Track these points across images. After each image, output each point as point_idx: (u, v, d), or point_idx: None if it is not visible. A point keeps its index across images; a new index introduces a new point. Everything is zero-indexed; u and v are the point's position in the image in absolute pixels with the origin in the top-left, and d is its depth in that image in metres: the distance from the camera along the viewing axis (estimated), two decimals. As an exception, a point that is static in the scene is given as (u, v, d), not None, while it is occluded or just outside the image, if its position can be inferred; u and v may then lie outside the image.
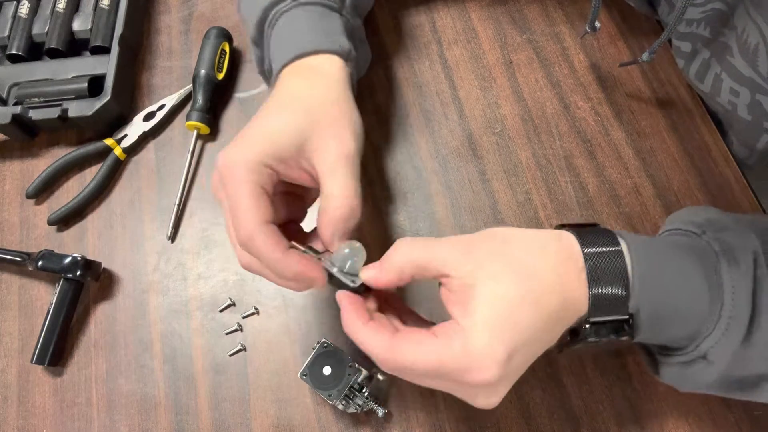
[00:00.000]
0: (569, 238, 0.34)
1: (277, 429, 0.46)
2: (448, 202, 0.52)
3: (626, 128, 0.54)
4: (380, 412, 0.44)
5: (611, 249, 0.33)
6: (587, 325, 0.33)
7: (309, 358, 0.43)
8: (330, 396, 0.42)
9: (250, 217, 0.34)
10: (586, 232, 0.34)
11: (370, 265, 0.35)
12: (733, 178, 0.51)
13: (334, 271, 0.35)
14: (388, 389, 0.46)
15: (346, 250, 0.36)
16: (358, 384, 0.44)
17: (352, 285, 0.35)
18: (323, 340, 0.43)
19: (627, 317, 0.33)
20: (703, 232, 0.36)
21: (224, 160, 0.36)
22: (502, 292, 0.31)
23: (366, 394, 0.44)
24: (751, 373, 0.34)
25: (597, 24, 0.49)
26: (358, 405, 0.43)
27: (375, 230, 0.52)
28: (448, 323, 0.32)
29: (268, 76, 0.48)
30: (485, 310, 0.31)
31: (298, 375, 0.43)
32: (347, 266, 0.35)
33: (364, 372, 0.44)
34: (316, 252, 0.37)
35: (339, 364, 0.43)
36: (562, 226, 0.36)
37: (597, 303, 0.32)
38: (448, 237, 0.34)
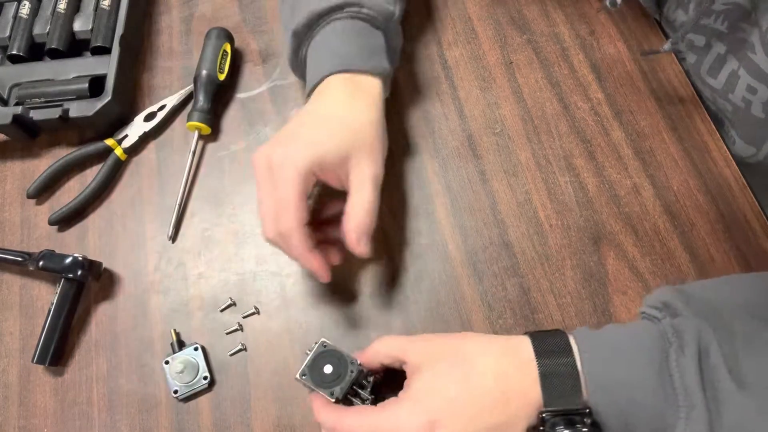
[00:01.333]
0: (524, 340, 0.38)
1: (278, 428, 0.46)
2: (448, 202, 0.52)
3: (626, 128, 0.54)
4: None
5: (559, 342, 0.37)
6: (544, 415, 0.35)
7: (308, 358, 0.42)
8: (332, 393, 0.41)
9: (292, 218, 0.41)
10: (541, 336, 0.38)
11: (359, 352, 0.43)
12: (732, 178, 0.51)
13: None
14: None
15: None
16: (360, 382, 0.43)
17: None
18: (322, 339, 0.43)
19: (585, 409, 0.35)
20: (664, 316, 0.38)
21: (281, 157, 0.41)
22: (435, 371, 0.37)
23: (369, 389, 0.43)
24: None
25: (619, 0, 0.49)
26: (362, 401, 0.42)
27: (376, 230, 0.52)
28: (390, 399, 0.38)
29: (302, 65, 0.51)
30: (417, 383, 0.37)
31: (297, 376, 0.41)
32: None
33: (366, 369, 0.43)
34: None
35: (340, 362, 0.42)
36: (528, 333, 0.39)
37: (549, 388, 0.35)
38: (423, 335, 0.41)
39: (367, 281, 0.50)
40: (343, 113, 0.44)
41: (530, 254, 0.50)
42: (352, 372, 0.41)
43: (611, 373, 0.35)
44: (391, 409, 0.37)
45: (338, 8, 0.47)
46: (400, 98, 0.57)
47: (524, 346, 0.38)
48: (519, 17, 0.59)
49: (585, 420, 0.35)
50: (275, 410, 0.47)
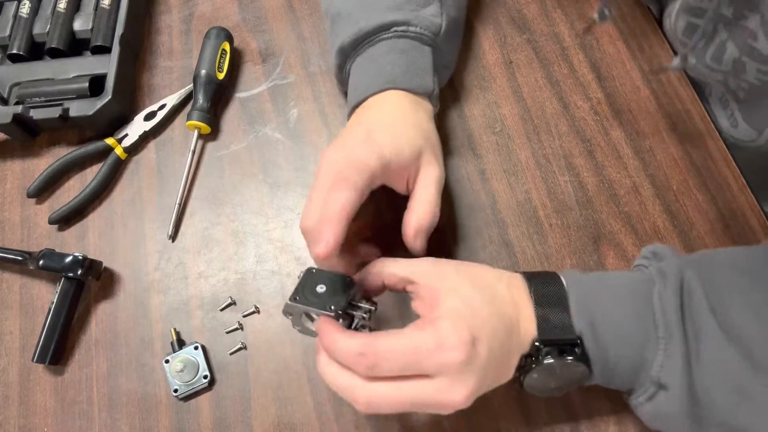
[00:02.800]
0: (518, 276, 0.40)
1: (278, 428, 0.46)
2: (448, 201, 0.52)
3: (625, 128, 0.54)
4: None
5: (551, 279, 0.39)
6: (538, 343, 0.37)
7: (297, 283, 0.38)
8: (331, 307, 0.36)
9: (342, 206, 0.38)
10: (533, 272, 0.40)
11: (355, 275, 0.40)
12: (731, 177, 0.51)
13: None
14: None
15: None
16: (358, 301, 0.39)
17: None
18: (309, 266, 0.38)
19: (575, 339, 0.36)
20: (650, 263, 0.40)
21: (341, 155, 0.40)
22: (462, 293, 0.37)
23: (374, 304, 0.38)
24: (716, 401, 0.35)
25: (607, 12, 0.48)
26: (365, 314, 0.38)
27: (376, 229, 0.52)
28: (418, 320, 0.36)
29: (346, 81, 0.51)
30: (448, 303, 0.36)
31: (288, 301, 0.37)
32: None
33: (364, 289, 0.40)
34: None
35: (333, 281, 0.37)
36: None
37: (543, 322, 0.37)
38: (427, 258, 0.40)
39: (367, 280, 0.50)
40: (411, 117, 0.45)
41: (530, 253, 0.50)
42: (349, 290, 0.37)
43: (598, 309, 0.37)
44: (432, 326, 0.34)
45: (385, 27, 0.47)
46: (400, 98, 0.57)
47: (522, 285, 0.39)
48: (519, 17, 0.59)
49: (575, 350, 0.36)
50: (275, 409, 0.47)
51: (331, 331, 0.35)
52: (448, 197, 0.52)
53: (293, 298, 0.37)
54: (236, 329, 0.50)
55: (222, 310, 0.50)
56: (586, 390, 0.45)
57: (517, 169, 0.53)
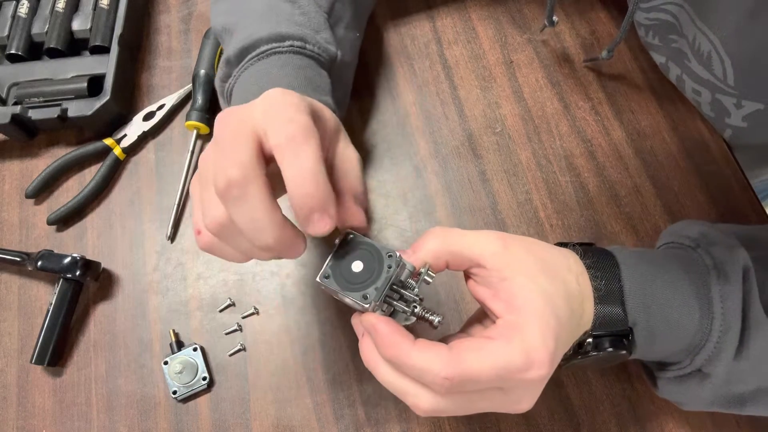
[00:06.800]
0: (580, 263, 0.36)
1: (277, 429, 0.46)
2: (448, 202, 0.52)
3: (626, 128, 0.54)
4: (436, 319, 0.32)
5: (609, 267, 0.36)
6: (589, 339, 0.35)
7: (331, 255, 0.32)
8: (366, 297, 0.30)
9: (245, 154, 0.28)
10: (587, 252, 0.37)
11: (402, 250, 0.33)
12: (733, 177, 0.51)
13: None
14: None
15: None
16: (401, 282, 0.32)
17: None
18: (347, 230, 0.32)
19: (626, 332, 0.35)
20: (697, 245, 0.38)
21: (274, 94, 0.30)
22: (542, 287, 0.31)
23: (416, 291, 0.32)
24: (748, 388, 0.35)
25: (555, 18, 0.52)
26: (408, 307, 0.32)
27: (375, 230, 0.52)
28: (499, 324, 0.31)
29: (227, 97, 0.44)
30: (532, 304, 0.31)
31: (317, 279, 0.31)
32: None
33: (410, 264, 0.32)
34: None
35: (373, 256, 0.31)
36: (560, 244, 0.38)
37: (600, 318, 0.35)
38: (480, 230, 0.34)
39: (367, 281, 0.50)
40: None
41: (530, 254, 0.50)
42: (389, 267, 0.31)
43: (653, 301, 0.35)
44: (521, 338, 0.30)
45: (279, 39, 0.42)
46: (401, 98, 0.57)
47: (586, 276, 0.35)
48: (519, 16, 0.59)
49: (623, 341, 0.35)
50: (274, 411, 0.47)
51: (396, 340, 0.30)
52: (448, 198, 0.52)
53: (325, 275, 0.31)
54: (235, 330, 0.49)
55: (221, 311, 0.50)
56: (587, 391, 0.45)
57: (517, 170, 0.53)
